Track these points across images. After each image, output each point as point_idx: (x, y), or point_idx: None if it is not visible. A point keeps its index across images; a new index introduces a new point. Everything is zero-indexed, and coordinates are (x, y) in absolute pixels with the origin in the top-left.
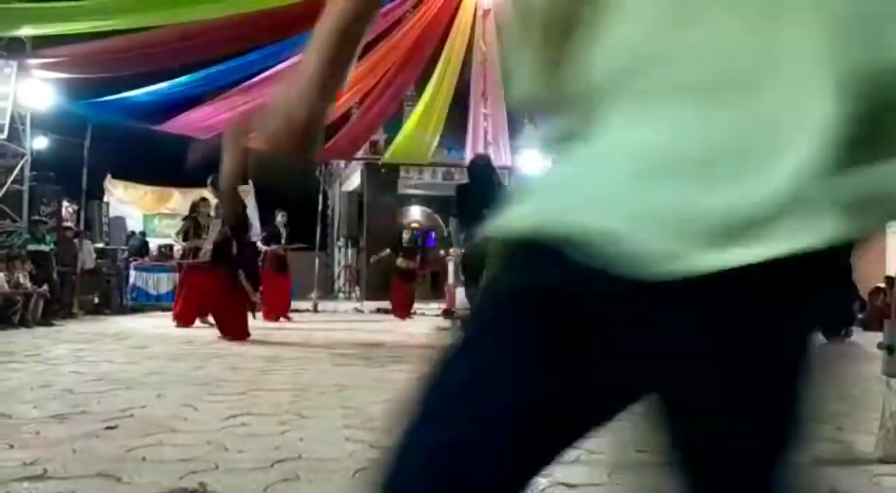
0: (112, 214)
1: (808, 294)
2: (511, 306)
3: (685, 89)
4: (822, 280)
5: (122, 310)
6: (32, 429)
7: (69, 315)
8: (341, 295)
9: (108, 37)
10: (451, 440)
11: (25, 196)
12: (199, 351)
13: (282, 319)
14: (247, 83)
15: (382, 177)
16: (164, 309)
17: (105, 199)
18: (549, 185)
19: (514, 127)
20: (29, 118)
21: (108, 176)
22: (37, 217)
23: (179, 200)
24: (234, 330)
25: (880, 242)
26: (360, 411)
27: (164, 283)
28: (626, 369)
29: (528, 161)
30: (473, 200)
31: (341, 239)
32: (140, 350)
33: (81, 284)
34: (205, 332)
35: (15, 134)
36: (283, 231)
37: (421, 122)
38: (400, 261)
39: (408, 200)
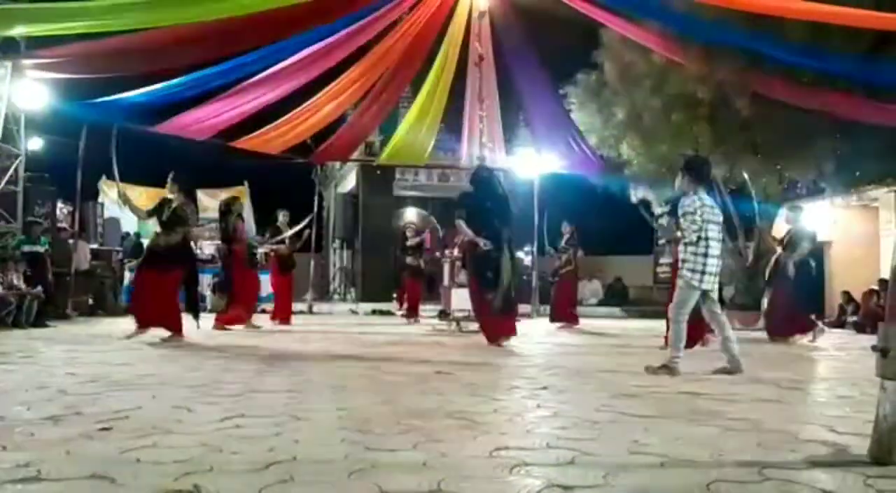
0: (106, 215)
1: None
2: None
3: None
4: None
5: (117, 311)
6: (26, 431)
7: (63, 316)
8: (336, 297)
9: (103, 37)
10: None
11: (20, 197)
12: (193, 353)
13: (280, 321)
14: (242, 85)
15: (378, 178)
16: None
17: (100, 200)
18: None
19: (508, 128)
20: (23, 119)
21: (103, 177)
22: (31, 218)
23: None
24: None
25: (874, 245)
26: (355, 412)
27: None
28: None
29: (522, 162)
30: (482, 207)
31: (337, 241)
32: (134, 352)
33: (76, 285)
34: (200, 333)
35: (9, 135)
36: (285, 231)
37: (416, 123)
38: (410, 260)
39: (403, 201)
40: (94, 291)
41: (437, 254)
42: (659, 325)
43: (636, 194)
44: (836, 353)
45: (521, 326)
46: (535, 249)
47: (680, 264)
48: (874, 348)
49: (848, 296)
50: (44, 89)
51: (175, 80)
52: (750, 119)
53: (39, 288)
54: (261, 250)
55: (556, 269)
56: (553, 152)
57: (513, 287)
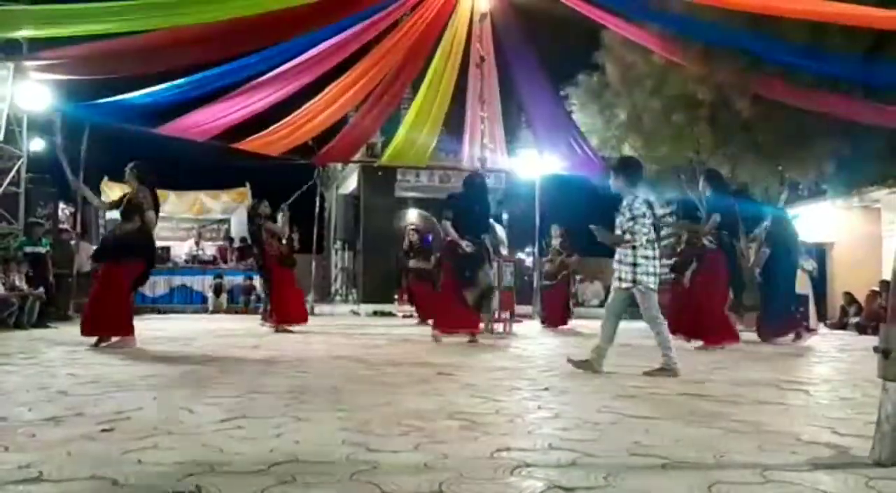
0: (108, 216)
1: None
2: None
3: None
4: None
5: None
6: (27, 432)
7: (65, 317)
8: (338, 298)
9: (106, 39)
10: None
11: (21, 198)
12: (195, 353)
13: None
14: (245, 86)
15: (379, 179)
16: (159, 311)
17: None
18: None
19: (510, 129)
20: (25, 120)
21: (105, 178)
22: (33, 219)
23: (175, 203)
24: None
25: (876, 246)
26: (356, 413)
27: (159, 285)
28: None
29: (523, 163)
30: (471, 211)
31: (338, 242)
32: (135, 353)
33: (78, 286)
34: (202, 334)
35: (11, 136)
36: (283, 229)
37: (418, 124)
38: (412, 263)
39: (405, 202)
40: None
41: (438, 255)
42: None
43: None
44: (838, 354)
45: (521, 327)
46: (536, 250)
47: (626, 270)
48: (876, 349)
49: (850, 297)
50: (46, 91)
51: (177, 82)
52: (750, 120)
53: (41, 289)
54: None
55: (551, 273)
56: (554, 154)
57: (490, 294)
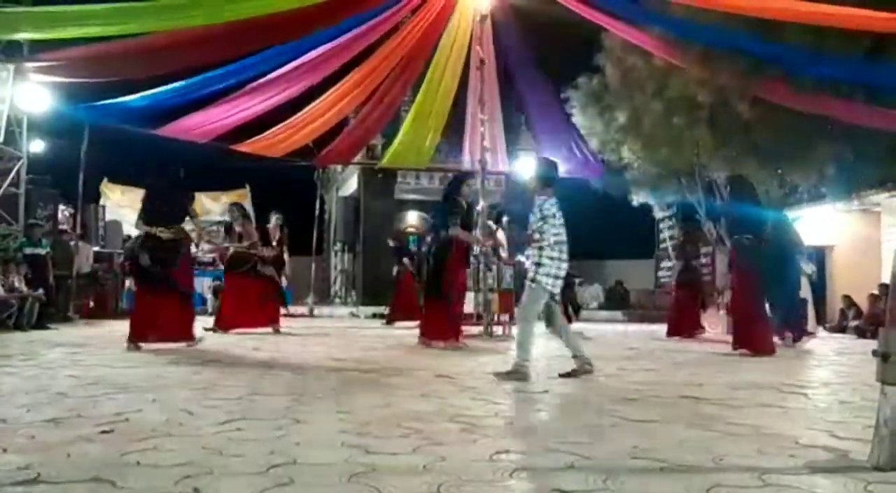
0: (108, 217)
1: None
2: None
3: None
4: None
5: (118, 314)
6: (27, 433)
7: (65, 319)
8: (337, 300)
9: (106, 41)
10: None
11: (21, 199)
12: (195, 356)
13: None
14: (246, 88)
15: (379, 182)
16: None
17: (101, 202)
18: None
19: (510, 131)
20: (25, 121)
21: (105, 180)
22: (33, 220)
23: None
24: None
25: (876, 250)
26: (355, 415)
27: None
28: None
29: (523, 165)
30: (457, 213)
31: (338, 243)
32: (135, 354)
33: (77, 287)
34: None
35: (11, 137)
36: (275, 234)
37: (418, 127)
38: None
39: (404, 204)
40: (95, 293)
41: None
42: (660, 328)
43: (637, 198)
44: (837, 357)
45: None
46: None
47: (531, 268)
48: (875, 352)
49: (849, 300)
50: (46, 92)
51: (178, 84)
52: (750, 123)
53: (40, 290)
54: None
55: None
56: (554, 156)
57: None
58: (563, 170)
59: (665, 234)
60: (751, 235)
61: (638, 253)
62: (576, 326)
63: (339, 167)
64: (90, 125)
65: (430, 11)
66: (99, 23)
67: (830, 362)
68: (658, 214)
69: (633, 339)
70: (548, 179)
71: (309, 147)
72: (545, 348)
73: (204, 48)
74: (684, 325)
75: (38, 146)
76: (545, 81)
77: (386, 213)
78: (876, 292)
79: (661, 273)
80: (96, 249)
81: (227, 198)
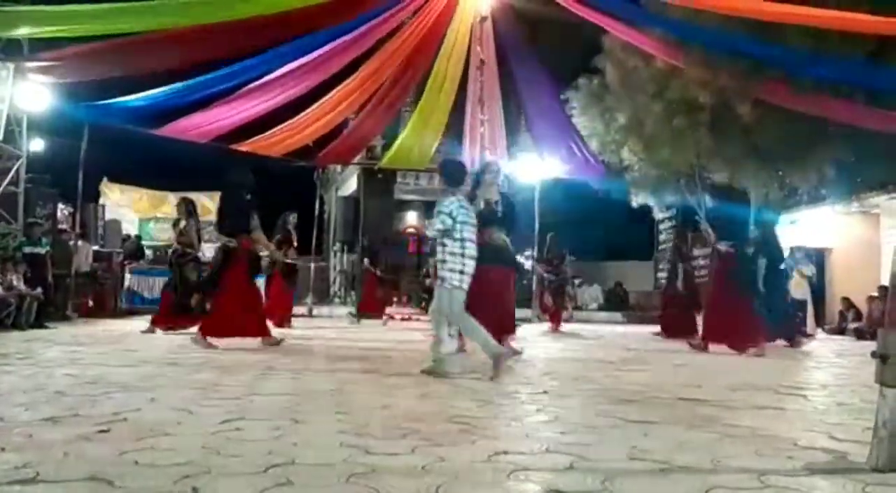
0: (107, 216)
1: None
2: None
3: None
4: None
5: (117, 313)
6: (24, 432)
7: (63, 318)
8: (337, 300)
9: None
10: None
11: (21, 198)
12: (194, 355)
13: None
14: (245, 88)
15: (379, 182)
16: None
17: (101, 202)
18: None
19: (510, 132)
20: (25, 120)
21: (104, 179)
22: (32, 219)
23: (174, 204)
24: None
25: (875, 252)
26: (354, 416)
27: (158, 286)
28: None
29: (523, 166)
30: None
31: (337, 244)
32: (134, 354)
33: (76, 286)
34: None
35: (11, 136)
36: (293, 234)
37: (418, 127)
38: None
39: (404, 205)
40: (94, 292)
41: None
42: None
43: (637, 200)
44: (836, 359)
45: (520, 330)
46: (535, 253)
47: (439, 266)
48: (874, 354)
49: (848, 302)
50: (46, 91)
51: (179, 84)
52: (751, 125)
53: (39, 289)
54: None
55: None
56: (555, 157)
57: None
58: (563, 171)
59: (664, 236)
60: (736, 242)
61: (637, 255)
62: (575, 326)
63: (338, 167)
64: (90, 124)
65: (431, 12)
66: (101, 22)
67: (829, 364)
68: (658, 215)
69: (633, 340)
70: (454, 178)
71: (309, 147)
72: (545, 349)
73: (205, 48)
74: (681, 327)
75: (37, 145)
76: (545, 82)
77: (385, 213)
78: (875, 294)
79: (660, 275)
80: (95, 248)
81: None
